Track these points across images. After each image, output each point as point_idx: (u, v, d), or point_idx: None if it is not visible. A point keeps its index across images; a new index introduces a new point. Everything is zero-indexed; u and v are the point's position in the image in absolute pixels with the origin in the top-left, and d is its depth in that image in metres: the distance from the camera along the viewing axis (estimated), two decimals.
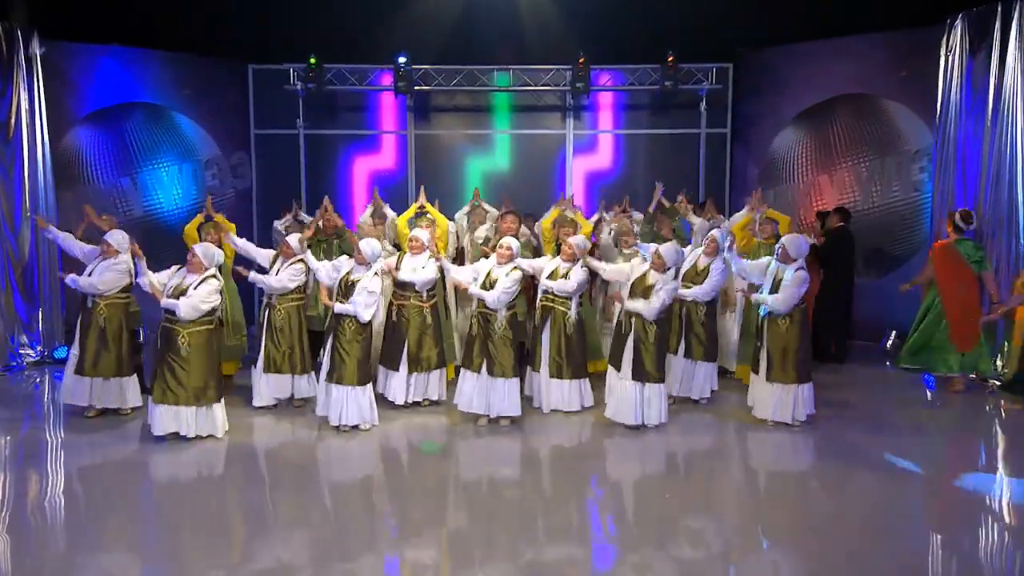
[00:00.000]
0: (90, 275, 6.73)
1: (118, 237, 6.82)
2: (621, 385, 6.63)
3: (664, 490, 5.70)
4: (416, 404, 7.21)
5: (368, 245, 6.66)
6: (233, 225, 7.70)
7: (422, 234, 7.20)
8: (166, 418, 6.25)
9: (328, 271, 6.81)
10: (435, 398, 7.31)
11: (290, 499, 5.46)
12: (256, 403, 7.12)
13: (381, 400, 7.00)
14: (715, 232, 7.29)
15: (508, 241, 6.93)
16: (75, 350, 6.78)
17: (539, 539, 4.85)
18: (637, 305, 6.55)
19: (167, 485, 5.75)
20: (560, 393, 7.08)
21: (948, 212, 8.23)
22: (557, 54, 10.74)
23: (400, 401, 7.09)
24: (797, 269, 6.62)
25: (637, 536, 4.99)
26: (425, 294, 7.14)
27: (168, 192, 10.51)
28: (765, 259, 6.98)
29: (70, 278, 6.70)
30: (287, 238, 7.17)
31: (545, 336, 7.05)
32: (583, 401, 7.16)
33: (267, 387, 7.11)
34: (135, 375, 6.95)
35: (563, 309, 7.02)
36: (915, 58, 9.39)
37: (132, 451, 6.26)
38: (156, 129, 10.39)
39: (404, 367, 7.09)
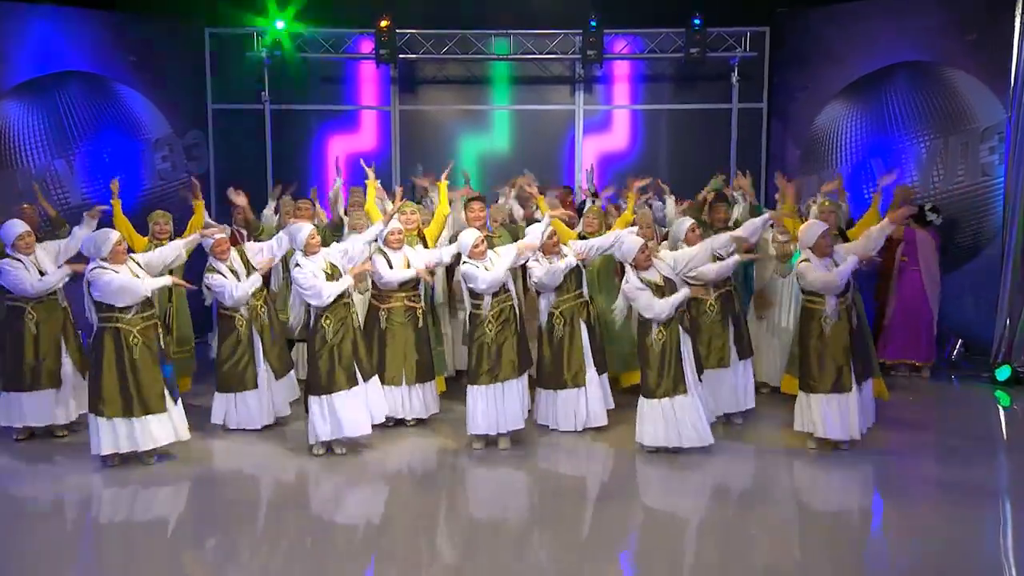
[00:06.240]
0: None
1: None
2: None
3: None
4: (400, 422, 7.21)
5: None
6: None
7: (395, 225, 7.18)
8: (113, 433, 6.17)
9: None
10: (424, 415, 7.28)
11: (261, 539, 5.47)
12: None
13: None
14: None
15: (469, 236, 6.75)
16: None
17: None
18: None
19: (117, 524, 5.70)
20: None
21: None
22: (565, 17, 10.71)
23: (395, 416, 7.14)
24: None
25: None
26: (411, 292, 7.17)
27: (110, 177, 10.00)
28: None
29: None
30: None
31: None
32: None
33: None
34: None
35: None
36: (985, 19, 9.23)
37: (74, 481, 6.21)
38: (96, 103, 10.22)
39: (403, 379, 7.13)
